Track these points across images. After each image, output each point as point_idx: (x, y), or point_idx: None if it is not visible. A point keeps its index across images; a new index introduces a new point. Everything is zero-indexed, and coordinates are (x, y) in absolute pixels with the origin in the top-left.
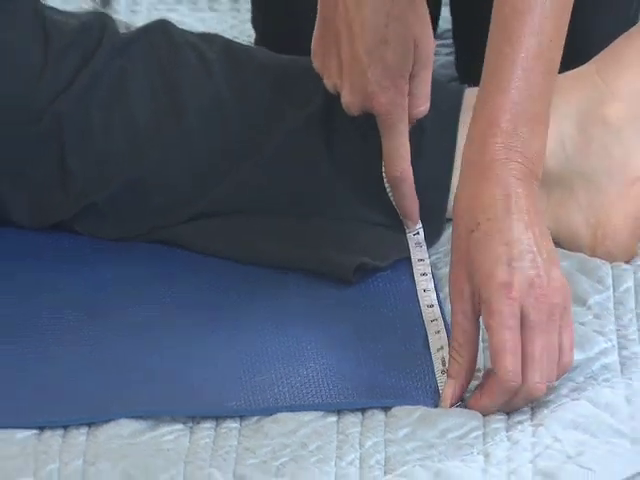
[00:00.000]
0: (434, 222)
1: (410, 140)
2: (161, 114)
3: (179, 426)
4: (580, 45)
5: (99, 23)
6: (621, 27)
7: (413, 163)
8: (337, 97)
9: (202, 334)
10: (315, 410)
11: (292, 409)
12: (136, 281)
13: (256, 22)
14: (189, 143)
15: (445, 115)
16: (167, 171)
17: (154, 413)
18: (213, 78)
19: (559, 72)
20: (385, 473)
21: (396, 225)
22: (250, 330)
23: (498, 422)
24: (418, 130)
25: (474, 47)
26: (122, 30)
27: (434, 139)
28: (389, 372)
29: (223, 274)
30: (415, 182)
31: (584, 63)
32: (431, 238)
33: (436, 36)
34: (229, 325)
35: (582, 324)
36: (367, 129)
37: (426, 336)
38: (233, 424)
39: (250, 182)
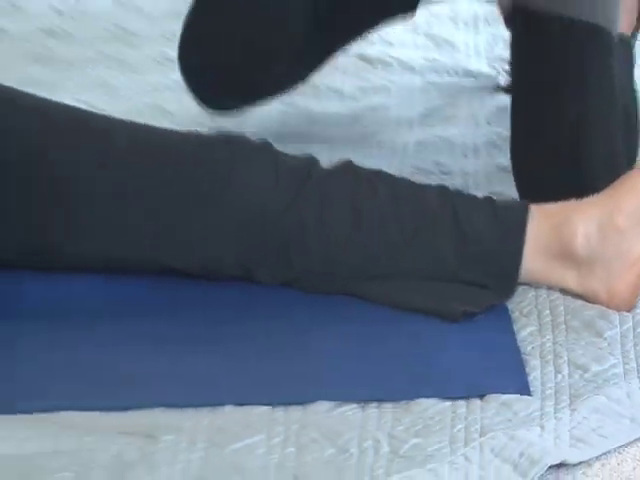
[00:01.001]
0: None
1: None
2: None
3: (353, 405)
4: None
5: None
6: None
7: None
8: None
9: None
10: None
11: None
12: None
13: None
14: (394, 256)
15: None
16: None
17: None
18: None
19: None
20: (480, 435)
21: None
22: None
23: (549, 407)
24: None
25: None
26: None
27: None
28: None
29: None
30: (490, 249)
31: None
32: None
33: None
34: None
35: (600, 348)
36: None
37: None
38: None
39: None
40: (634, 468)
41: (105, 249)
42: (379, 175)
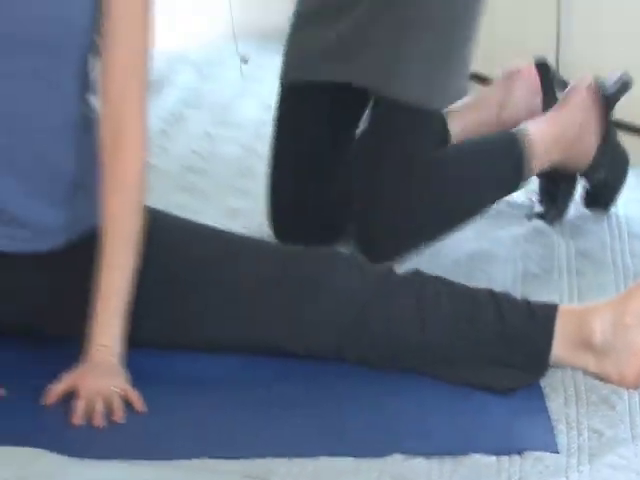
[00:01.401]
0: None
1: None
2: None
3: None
4: None
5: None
6: None
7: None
8: None
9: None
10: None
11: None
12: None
13: None
14: (452, 348)
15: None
16: None
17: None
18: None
19: None
20: None
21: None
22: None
23: (572, 462)
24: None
25: None
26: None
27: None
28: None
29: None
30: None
31: None
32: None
33: None
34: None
35: (612, 418)
36: None
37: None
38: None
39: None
40: None
41: (235, 332)
42: (440, 280)
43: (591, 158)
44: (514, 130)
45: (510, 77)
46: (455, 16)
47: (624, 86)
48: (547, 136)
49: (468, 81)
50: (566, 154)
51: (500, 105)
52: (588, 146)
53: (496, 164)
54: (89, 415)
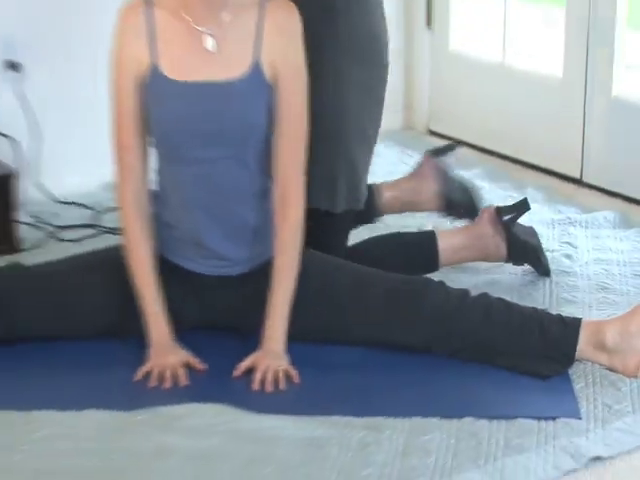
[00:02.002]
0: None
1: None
2: None
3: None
4: None
5: (465, 290)
6: None
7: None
8: None
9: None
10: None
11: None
12: None
13: None
14: (508, 345)
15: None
16: None
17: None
18: None
19: None
20: (554, 439)
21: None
22: None
23: (590, 426)
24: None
25: None
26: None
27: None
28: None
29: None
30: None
31: None
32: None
33: None
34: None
35: (619, 396)
36: None
37: None
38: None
39: None
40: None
41: (366, 332)
42: (500, 299)
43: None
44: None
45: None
46: (346, 130)
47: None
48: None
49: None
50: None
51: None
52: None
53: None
54: (263, 383)
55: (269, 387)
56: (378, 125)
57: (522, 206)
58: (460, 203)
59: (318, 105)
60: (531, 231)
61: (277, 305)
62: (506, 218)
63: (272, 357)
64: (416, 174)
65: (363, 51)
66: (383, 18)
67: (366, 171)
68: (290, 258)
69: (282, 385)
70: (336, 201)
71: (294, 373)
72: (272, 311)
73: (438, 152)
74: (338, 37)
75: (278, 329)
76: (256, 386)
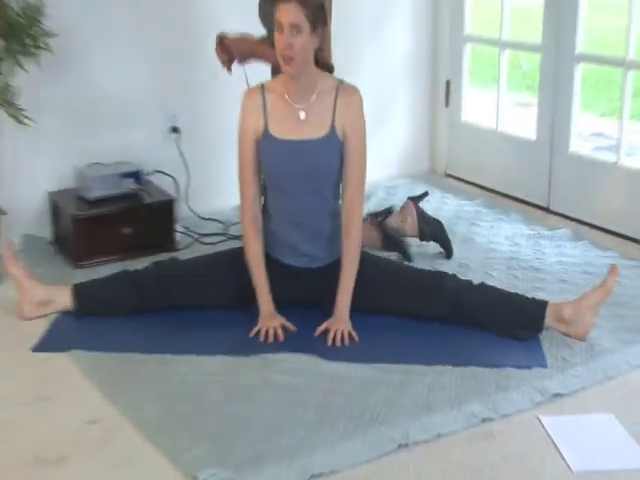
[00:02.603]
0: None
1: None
2: None
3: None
4: None
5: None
6: None
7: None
8: None
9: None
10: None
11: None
12: None
13: None
14: (498, 312)
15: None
16: None
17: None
18: None
19: None
20: (524, 382)
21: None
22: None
23: (552, 372)
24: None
25: None
26: None
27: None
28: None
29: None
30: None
31: None
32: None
33: None
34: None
35: (572, 352)
36: None
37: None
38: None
39: None
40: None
41: (400, 305)
42: (494, 287)
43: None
44: None
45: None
46: None
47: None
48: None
49: None
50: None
51: None
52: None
53: None
54: (334, 341)
55: (338, 343)
56: None
57: (423, 195)
58: (429, 231)
59: None
60: (438, 222)
61: (344, 287)
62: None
63: (340, 322)
64: (403, 211)
65: None
66: None
67: None
68: (354, 256)
69: (347, 342)
70: None
71: (354, 334)
72: (341, 291)
73: (417, 198)
74: None
75: (345, 303)
76: (329, 343)
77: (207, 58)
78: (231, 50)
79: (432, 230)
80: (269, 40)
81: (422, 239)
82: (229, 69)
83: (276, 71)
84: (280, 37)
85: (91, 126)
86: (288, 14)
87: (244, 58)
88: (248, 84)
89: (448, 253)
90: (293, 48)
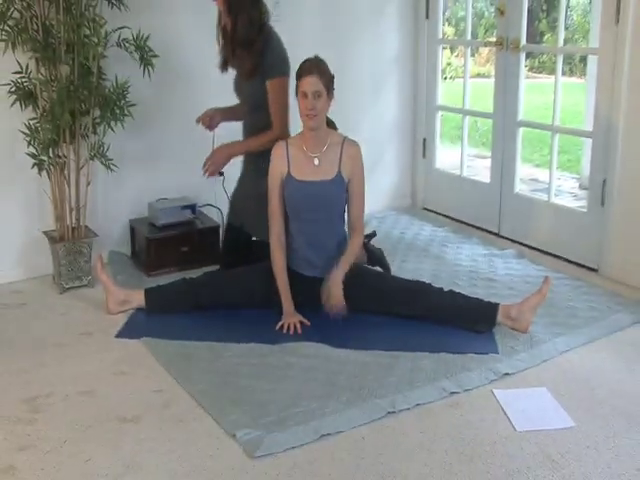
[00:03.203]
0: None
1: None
2: None
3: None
4: None
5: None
6: None
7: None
8: None
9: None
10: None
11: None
12: None
13: None
14: (458, 310)
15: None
16: None
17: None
18: None
19: None
20: (480, 363)
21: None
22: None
23: (503, 359)
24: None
25: None
26: None
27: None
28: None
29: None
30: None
31: None
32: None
33: None
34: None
35: (517, 341)
36: None
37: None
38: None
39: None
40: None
41: (393, 308)
42: (460, 293)
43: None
44: None
45: None
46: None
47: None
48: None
49: None
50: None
51: None
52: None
53: None
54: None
55: (334, 314)
56: None
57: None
58: (375, 258)
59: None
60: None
61: (342, 261)
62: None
63: (337, 284)
64: None
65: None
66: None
67: None
68: (352, 252)
69: (343, 311)
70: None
71: (343, 302)
72: (340, 263)
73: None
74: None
75: (341, 269)
76: (329, 313)
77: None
78: (214, 118)
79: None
80: (238, 106)
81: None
82: (212, 130)
83: (247, 125)
84: (304, 101)
85: (159, 171)
86: (311, 84)
87: (221, 121)
88: (214, 145)
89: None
90: (315, 108)
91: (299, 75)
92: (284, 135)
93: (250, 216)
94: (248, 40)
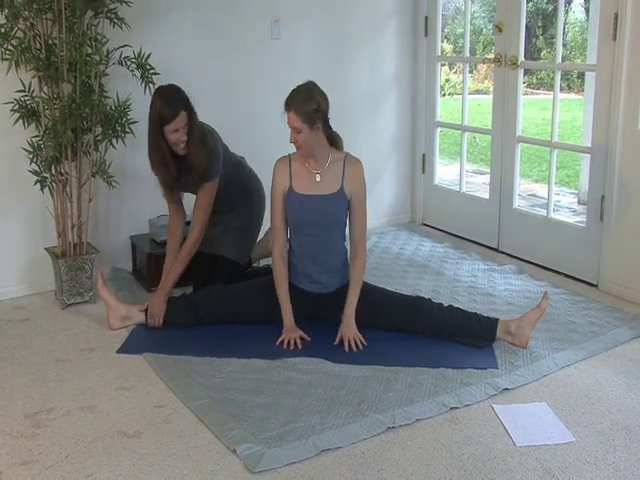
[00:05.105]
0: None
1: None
2: None
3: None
4: None
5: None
6: None
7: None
8: None
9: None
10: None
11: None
12: None
13: None
14: (458, 326)
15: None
16: None
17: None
18: None
19: None
20: (480, 380)
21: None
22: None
23: (501, 373)
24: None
25: None
26: None
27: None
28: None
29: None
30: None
31: None
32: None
33: None
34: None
35: (516, 356)
36: None
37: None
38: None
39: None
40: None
41: (391, 322)
42: (459, 308)
43: None
44: None
45: None
46: (251, 215)
47: None
48: None
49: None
50: None
51: None
52: None
53: None
54: (349, 346)
55: (354, 349)
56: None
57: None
58: None
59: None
60: None
61: (350, 303)
62: None
63: (349, 328)
64: None
65: (259, 204)
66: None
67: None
68: (358, 281)
69: (361, 348)
70: (240, 256)
71: (361, 338)
72: (348, 306)
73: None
74: (251, 197)
75: (350, 314)
76: (346, 349)
77: (244, 140)
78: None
79: None
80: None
81: None
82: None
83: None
84: (290, 133)
85: (159, 188)
86: (290, 120)
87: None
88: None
89: None
90: (297, 141)
91: (284, 106)
92: (202, 235)
93: (210, 236)
94: (200, 141)
